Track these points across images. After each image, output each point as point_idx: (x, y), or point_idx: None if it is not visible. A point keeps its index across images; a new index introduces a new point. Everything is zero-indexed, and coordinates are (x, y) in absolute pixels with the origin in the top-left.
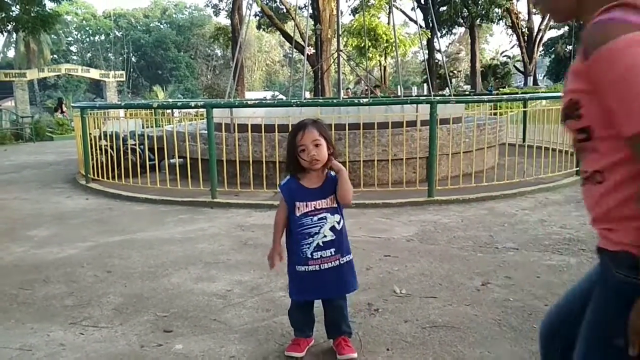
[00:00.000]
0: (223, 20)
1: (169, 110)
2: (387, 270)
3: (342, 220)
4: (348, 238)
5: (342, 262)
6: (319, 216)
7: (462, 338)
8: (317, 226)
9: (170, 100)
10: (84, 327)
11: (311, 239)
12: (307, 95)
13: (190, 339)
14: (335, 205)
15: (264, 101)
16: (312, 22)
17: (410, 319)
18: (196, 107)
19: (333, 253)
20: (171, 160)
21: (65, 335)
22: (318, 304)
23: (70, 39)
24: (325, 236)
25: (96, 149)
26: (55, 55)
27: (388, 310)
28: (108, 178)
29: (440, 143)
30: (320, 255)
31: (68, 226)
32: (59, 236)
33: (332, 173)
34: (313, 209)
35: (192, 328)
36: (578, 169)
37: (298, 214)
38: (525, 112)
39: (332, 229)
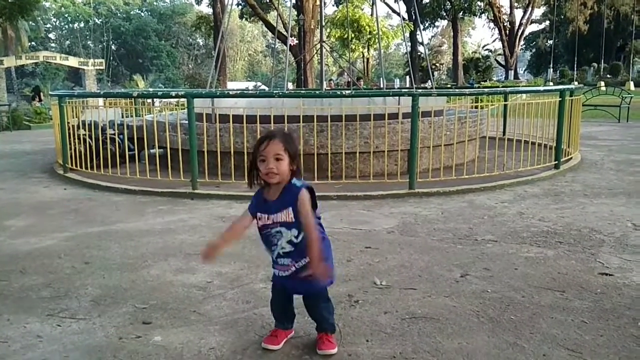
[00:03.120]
0: (205, 9)
1: (149, 100)
2: (367, 262)
3: (301, 235)
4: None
5: (297, 267)
6: (275, 229)
7: (441, 329)
8: (275, 237)
9: (150, 89)
10: (61, 319)
11: (274, 246)
12: (290, 86)
13: (170, 331)
14: (292, 220)
15: (245, 91)
16: (295, 13)
17: (390, 310)
18: (177, 96)
19: (289, 262)
20: (151, 151)
21: (42, 327)
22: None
23: (48, 25)
24: (283, 248)
25: (74, 139)
26: (33, 43)
27: (368, 302)
28: (87, 168)
29: (422, 136)
30: (282, 263)
31: (46, 216)
32: (36, 226)
33: (295, 182)
34: (271, 222)
35: (171, 320)
36: (557, 162)
37: (260, 225)
38: (505, 106)
39: (290, 242)
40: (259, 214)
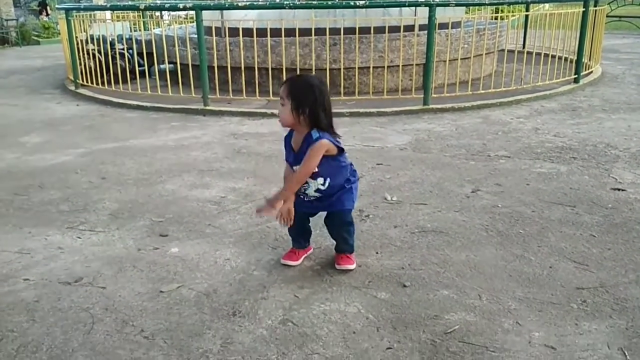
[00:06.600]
0: None
1: (157, 13)
2: (379, 178)
3: (327, 180)
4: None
5: (328, 193)
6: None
7: (450, 242)
8: (302, 187)
9: (158, 1)
10: (81, 232)
11: (301, 194)
12: None
13: (186, 243)
14: (316, 169)
15: (255, 3)
16: None
17: (400, 224)
18: (185, 9)
19: (318, 198)
20: (161, 66)
21: (62, 239)
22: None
23: None
24: (311, 195)
25: (84, 54)
26: None
27: (378, 216)
28: (97, 84)
29: (438, 49)
30: (307, 200)
31: (60, 133)
32: (51, 143)
33: (313, 134)
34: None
35: (187, 232)
36: (576, 76)
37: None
38: (527, 17)
39: (317, 190)
40: (291, 164)
